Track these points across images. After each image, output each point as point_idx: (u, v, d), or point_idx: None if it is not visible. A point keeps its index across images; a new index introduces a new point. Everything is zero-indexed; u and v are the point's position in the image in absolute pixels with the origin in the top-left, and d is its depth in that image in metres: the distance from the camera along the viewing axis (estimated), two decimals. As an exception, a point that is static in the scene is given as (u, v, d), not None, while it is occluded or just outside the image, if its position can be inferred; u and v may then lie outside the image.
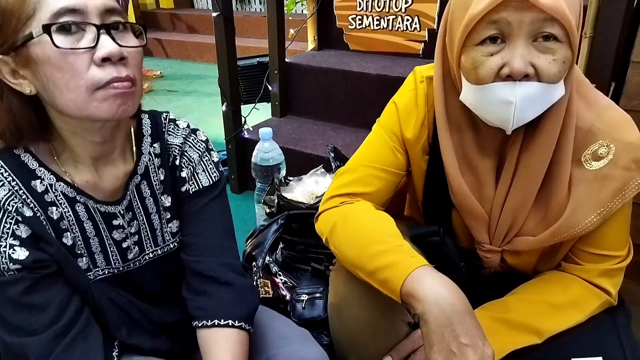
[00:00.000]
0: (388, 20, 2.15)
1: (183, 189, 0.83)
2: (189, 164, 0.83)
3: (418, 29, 2.09)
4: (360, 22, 2.22)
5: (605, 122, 0.78)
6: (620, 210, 0.79)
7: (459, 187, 0.84)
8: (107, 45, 0.63)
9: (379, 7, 2.14)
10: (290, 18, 3.66)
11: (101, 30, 0.63)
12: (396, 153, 0.91)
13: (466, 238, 0.92)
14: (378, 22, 2.18)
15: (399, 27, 2.13)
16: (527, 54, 0.68)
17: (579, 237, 0.82)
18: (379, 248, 0.78)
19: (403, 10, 2.09)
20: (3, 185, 0.68)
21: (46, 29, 0.60)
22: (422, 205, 0.97)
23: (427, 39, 2.09)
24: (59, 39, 0.61)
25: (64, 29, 0.61)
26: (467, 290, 0.72)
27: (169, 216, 0.83)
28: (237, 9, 6.10)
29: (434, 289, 0.69)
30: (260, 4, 5.96)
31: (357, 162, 0.94)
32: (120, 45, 0.64)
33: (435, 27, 2.05)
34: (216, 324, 0.78)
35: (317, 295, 1.20)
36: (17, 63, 0.63)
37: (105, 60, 0.63)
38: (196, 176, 0.83)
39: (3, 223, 0.67)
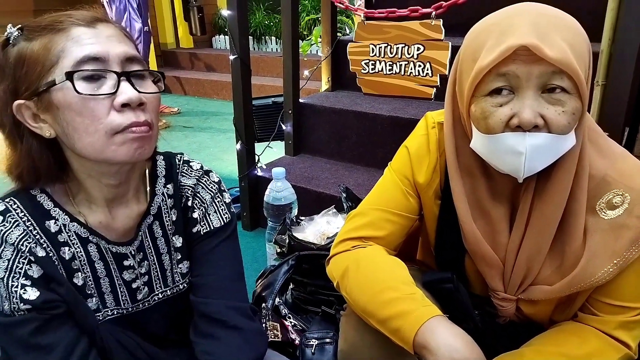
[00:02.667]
0: (400, 65, 2.19)
1: (194, 229, 0.83)
2: (201, 205, 0.84)
3: (430, 75, 2.12)
4: (373, 67, 2.27)
5: (619, 170, 0.77)
6: (638, 260, 0.77)
7: (471, 233, 0.83)
8: (127, 92, 0.65)
9: (391, 53, 2.19)
10: (305, 59, 3.76)
11: (121, 77, 0.66)
12: (408, 197, 0.91)
13: (480, 285, 0.90)
14: (390, 67, 2.22)
15: (411, 73, 2.17)
16: (537, 105, 0.68)
17: (595, 288, 0.80)
18: (391, 295, 0.77)
19: (415, 56, 2.13)
20: (18, 225, 0.69)
21: (69, 76, 0.63)
22: (434, 250, 0.96)
23: (439, 83, 2.12)
24: (81, 85, 0.63)
25: (87, 76, 0.64)
26: (482, 340, 0.71)
27: (179, 257, 0.84)
28: (254, 48, 6.28)
29: (447, 342, 0.68)
30: (276, 44, 6.14)
31: (369, 205, 0.94)
32: (139, 92, 0.66)
33: (446, 72, 2.08)
34: (222, 369, 0.77)
35: (327, 340, 1.17)
36: (39, 107, 0.66)
37: (125, 105, 0.65)
38: (208, 217, 0.84)
39: (16, 263, 0.68)
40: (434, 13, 2.01)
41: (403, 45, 2.14)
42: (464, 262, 0.90)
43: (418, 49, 2.11)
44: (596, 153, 0.79)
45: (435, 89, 2.14)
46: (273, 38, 6.18)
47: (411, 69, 2.16)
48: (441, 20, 2.03)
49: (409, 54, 2.14)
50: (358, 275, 0.84)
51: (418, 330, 0.70)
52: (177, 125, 4.21)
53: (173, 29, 6.13)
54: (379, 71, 2.26)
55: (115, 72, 0.65)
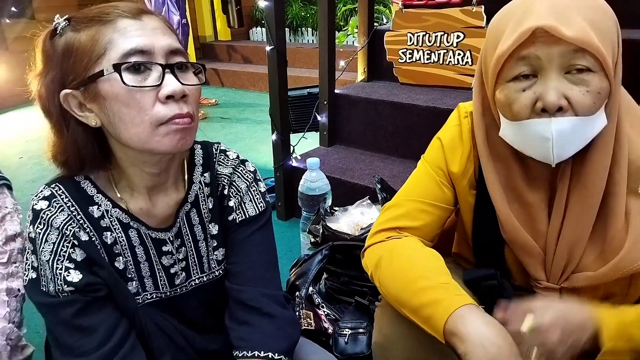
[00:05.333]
0: (439, 54, 2.14)
1: (230, 217, 0.85)
2: (237, 194, 0.85)
3: (470, 63, 2.07)
4: (410, 56, 2.23)
5: None
6: None
7: (508, 222, 0.82)
8: (171, 84, 0.66)
9: (429, 42, 2.15)
10: (341, 49, 3.74)
11: (166, 70, 0.67)
12: (443, 187, 0.90)
13: (521, 276, 0.88)
14: (429, 56, 2.18)
15: (450, 62, 2.12)
16: (560, 87, 0.67)
17: None
18: (423, 284, 0.76)
19: (455, 44, 2.08)
20: (62, 210, 0.72)
21: (116, 67, 0.64)
22: (472, 242, 0.94)
23: (479, 72, 2.07)
24: (128, 77, 0.65)
25: (133, 68, 0.65)
26: None
27: (215, 244, 0.85)
28: (290, 40, 6.30)
29: (478, 329, 0.67)
30: (312, 35, 6.13)
31: (403, 196, 0.93)
32: (182, 84, 0.67)
33: (487, 60, 2.02)
34: (256, 355, 0.78)
35: (361, 330, 1.17)
36: (85, 97, 0.68)
37: (169, 97, 0.66)
38: (243, 206, 0.85)
39: (60, 246, 0.71)
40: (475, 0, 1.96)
41: (442, 33, 2.10)
42: (503, 253, 0.88)
43: (458, 36, 2.05)
44: (636, 134, 0.76)
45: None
46: (309, 29, 6.17)
47: (450, 58, 2.11)
48: (482, 6, 1.97)
49: (448, 42, 2.09)
50: (392, 265, 0.84)
51: (448, 318, 0.69)
52: (215, 117, 4.29)
53: (212, 21, 6.23)
54: (416, 60, 2.22)
55: (160, 65, 0.67)
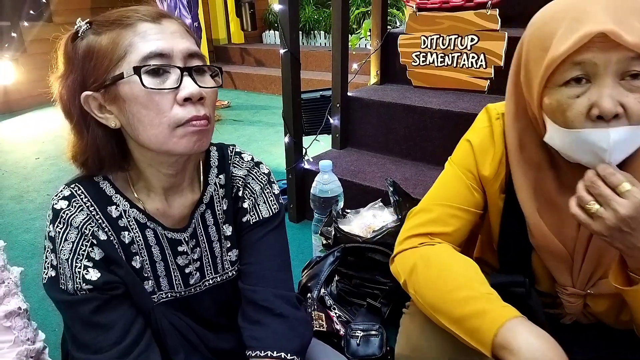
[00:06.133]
0: (453, 57, 2.14)
1: (244, 219, 0.85)
2: (251, 196, 0.86)
3: (484, 66, 2.06)
4: (424, 59, 2.23)
5: None
6: None
7: (537, 227, 0.80)
8: (189, 87, 0.67)
9: (443, 45, 2.14)
10: (354, 52, 3.74)
11: (184, 73, 0.68)
12: (473, 191, 0.88)
13: (547, 282, 0.87)
14: (442, 59, 2.17)
15: (464, 64, 2.12)
16: (616, 94, 0.65)
17: None
18: (466, 294, 0.74)
19: (469, 47, 2.07)
20: (82, 210, 0.73)
21: (136, 70, 0.65)
22: (498, 246, 0.92)
23: (493, 75, 2.05)
24: (147, 79, 0.66)
25: (152, 71, 0.66)
26: None
27: (229, 245, 0.86)
28: (303, 43, 6.32)
29: (530, 342, 0.65)
30: (324, 38, 6.14)
31: (432, 201, 0.91)
32: (200, 86, 0.68)
33: (502, 64, 2.01)
34: (269, 355, 0.79)
35: (373, 332, 1.17)
36: (106, 99, 0.69)
37: (187, 100, 0.67)
38: (257, 207, 0.86)
39: (80, 245, 0.72)
40: (489, 3, 1.95)
41: (456, 36, 2.09)
42: (530, 258, 0.86)
43: (472, 39, 2.05)
44: None
45: (489, 81, 2.07)
46: (322, 32, 6.19)
47: (464, 61, 2.11)
48: (497, 10, 1.96)
49: (462, 45, 2.09)
50: (429, 272, 0.81)
51: (498, 331, 0.67)
52: (228, 119, 4.32)
53: (225, 24, 6.27)
54: (430, 63, 2.22)
55: (178, 67, 0.68)
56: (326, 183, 1.80)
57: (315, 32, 6.26)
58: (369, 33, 3.09)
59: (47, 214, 0.75)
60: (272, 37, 6.46)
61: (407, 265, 0.85)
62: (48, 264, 0.74)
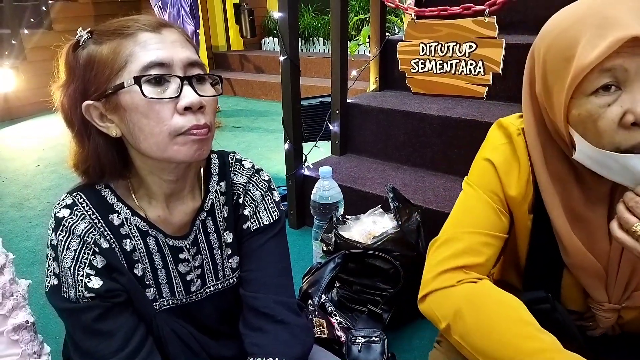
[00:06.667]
0: (451, 64, 2.15)
1: (245, 226, 0.86)
2: (251, 203, 0.86)
3: (482, 73, 2.07)
4: (423, 66, 2.24)
5: None
6: None
7: (572, 245, 0.77)
8: (189, 96, 0.68)
9: (442, 52, 2.16)
10: (353, 59, 3.76)
11: (184, 82, 0.68)
12: (500, 215, 0.82)
13: (577, 299, 0.84)
14: (441, 66, 2.19)
15: (462, 71, 2.13)
16: None
17: None
18: (534, 345, 0.69)
19: (467, 55, 2.09)
20: (84, 218, 0.73)
21: (137, 80, 0.66)
22: (525, 267, 0.88)
23: (491, 82, 2.07)
24: (147, 89, 0.66)
25: (153, 80, 0.67)
26: (587, 357, 0.66)
27: (229, 252, 0.86)
28: (302, 50, 6.34)
29: None
30: (323, 45, 6.17)
31: (459, 228, 0.84)
32: (200, 95, 0.69)
33: (500, 71, 2.02)
34: (270, 362, 0.79)
35: (374, 338, 1.17)
36: (107, 108, 0.69)
37: (187, 109, 0.68)
38: (258, 214, 0.86)
39: (82, 253, 0.72)
40: (487, 10, 1.97)
41: (454, 43, 2.11)
42: (560, 277, 0.83)
43: (470, 47, 2.06)
44: None
45: (487, 87, 2.08)
46: (320, 39, 6.22)
47: (462, 68, 2.12)
48: (495, 17, 1.98)
49: (460, 52, 2.10)
50: (480, 318, 0.74)
51: None
52: (227, 125, 4.33)
53: (224, 32, 6.30)
54: (428, 70, 2.23)
55: (178, 77, 0.68)
56: (326, 189, 1.80)
57: (314, 38, 6.29)
58: (367, 40, 3.10)
59: (49, 223, 0.75)
60: (271, 44, 6.49)
61: (447, 308, 0.77)
62: (50, 272, 0.74)
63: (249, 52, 6.22)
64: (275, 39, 6.32)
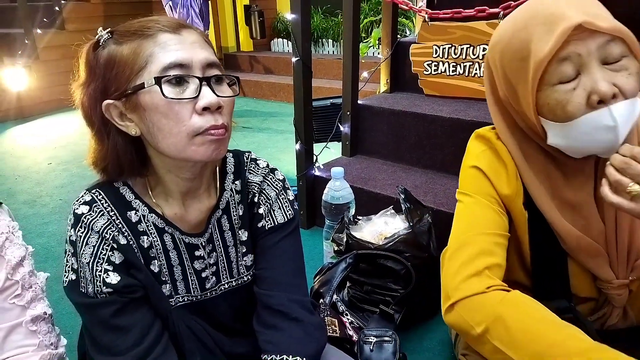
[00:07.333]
0: (465, 66, 2.15)
1: (259, 224, 0.86)
2: (266, 202, 0.87)
3: (495, 75, 2.07)
4: (435, 68, 2.24)
5: None
6: None
7: (566, 232, 0.81)
8: (207, 96, 0.69)
9: (455, 54, 2.16)
10: (363, 61, 3.75)
11: (203, 82, 0.69)
12: (501, 215, 0.85)
13: (586, 285, 0.87)
14: (454, 68, 2.18)
15: (475, 74, 2.12)
16: (606, 76, 0.70)
17: None
18: (581, 345, 0.69)
19: (481, 57, 2.08)
20: (103, 214, 0.74)
21: (157, 80, 0.67)
22: (531, 263, 0.89)
23: (503, 84, 2.06)
24: (167, 89, 0.67)
25: (173, 81, 0.68)
26: None
27: (244, 250, 0.87)
28: (312, 51, 6.35)
29: None
30: (333, 46, 6.18)
31: (467, 234, 0.84)
32: (218, 96, 0.70)
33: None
34: (284, 359, 0.79)
35: (386, 338, 1.17)
36: (126, 108, 0.70)
37: (205, 109, 0.69)
38: (272, 213, 0.87)
39: (100, 249, 0.73)
40: (502, 13, 1.96)
41: (468, 45, 2.10)
42: (566, 267, 0.85)
43: (484, 49, 2.06)
44: None
45: (499, 90, 2.08)
46: (330, 40, 6.23)
47: (476, 70, 2.11)
48: (508, 19, 1.97)
49: (474, 55, 2.10)
50: (525, 321, 0.73)
51: None
52: (237, 126, 4.34)
53: (234, 33, 6.33)
54: (441, 72, 2.22)
55: (197, 77, 0.69)
56: (338, 190, 1.81)
57: (324, 40, 6.30)
58: (378, 42, 3.10)
59: (68, 219, 0.76)
60: (280, 45, 6.51)
61: (483, 314, 0.75)
62: (69, 267, 0.75)
63: (259, 53, 6.24)
64: (285, 41, 6.34)
